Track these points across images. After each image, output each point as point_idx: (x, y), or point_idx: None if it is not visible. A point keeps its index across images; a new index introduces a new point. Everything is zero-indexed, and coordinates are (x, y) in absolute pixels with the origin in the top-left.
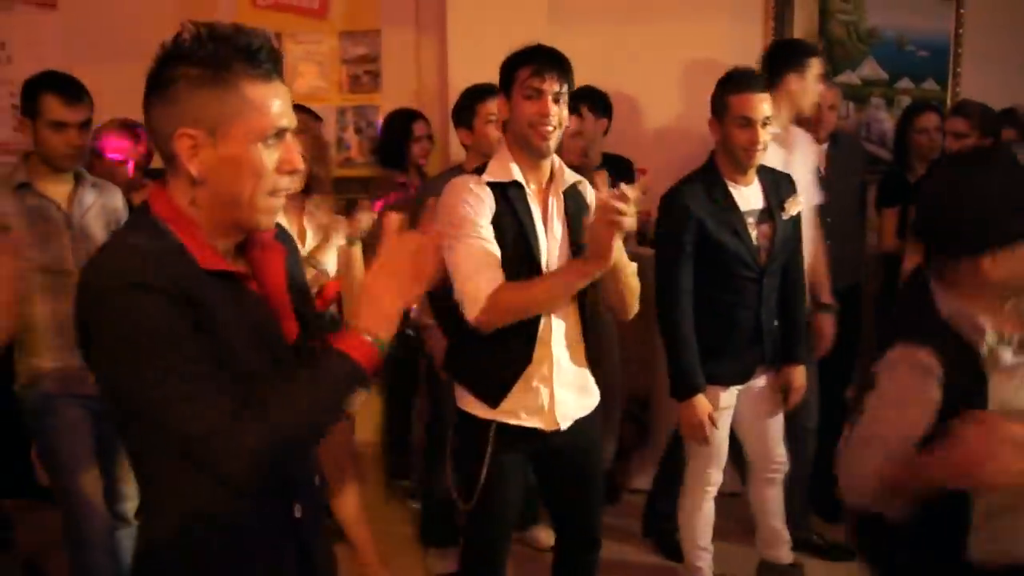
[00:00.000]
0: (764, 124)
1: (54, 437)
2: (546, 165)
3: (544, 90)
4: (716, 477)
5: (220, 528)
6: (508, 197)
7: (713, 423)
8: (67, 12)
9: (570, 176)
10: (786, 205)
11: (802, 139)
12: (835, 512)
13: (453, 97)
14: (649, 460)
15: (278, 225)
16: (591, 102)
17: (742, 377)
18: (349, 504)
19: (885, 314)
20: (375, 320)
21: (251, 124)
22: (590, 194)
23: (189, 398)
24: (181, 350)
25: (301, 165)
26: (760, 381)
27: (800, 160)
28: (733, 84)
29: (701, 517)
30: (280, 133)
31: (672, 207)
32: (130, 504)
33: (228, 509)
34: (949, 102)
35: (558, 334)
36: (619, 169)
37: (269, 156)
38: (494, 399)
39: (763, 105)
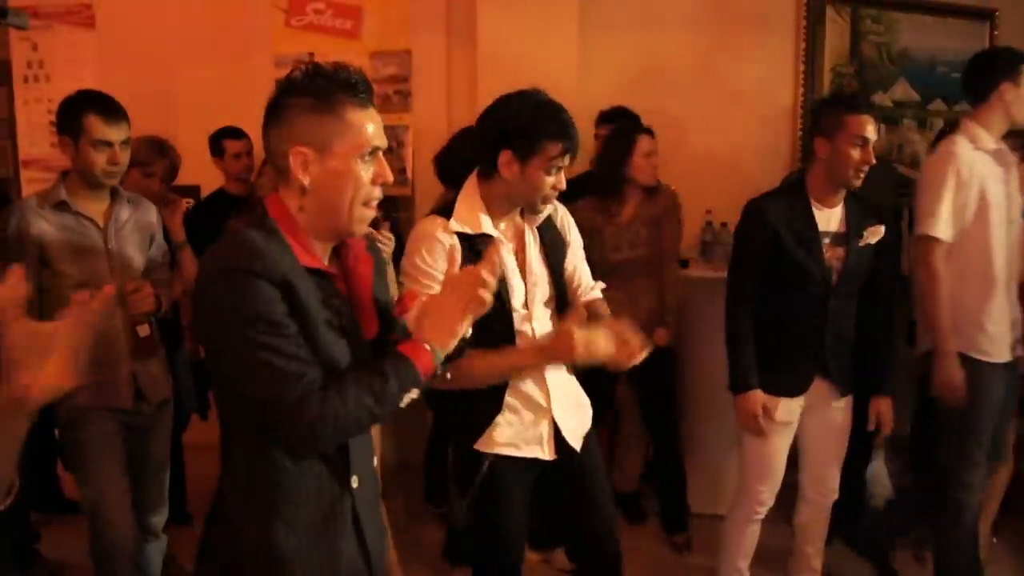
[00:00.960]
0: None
1: (84, 450)
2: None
3: (563, 167)
4: (768, 497)
5: (285, 491)
6: (476, 248)
7: (770, 414)
8: (104, 32)
9: (547, 212)
10: (865, 233)
11: (1011, 155)
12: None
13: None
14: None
15: (369, 238)
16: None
17: (794, 390)
18: None
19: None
20: (437, 333)
21: (351, 143)
22: (560, 216)
23: (271, 367)
24: (273, 329)
25: (391, 178)
26: (835, 404)
27: (1014, 177)
28: (850, 103)
29: (746, 536)
30: (374, 151)
31: (752, 214)
32: (159, 518)
33: (294, 476)
34: None
35: (552, 367)
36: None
37: (365, 170)
38: (474, 435)
39: (875, 127)
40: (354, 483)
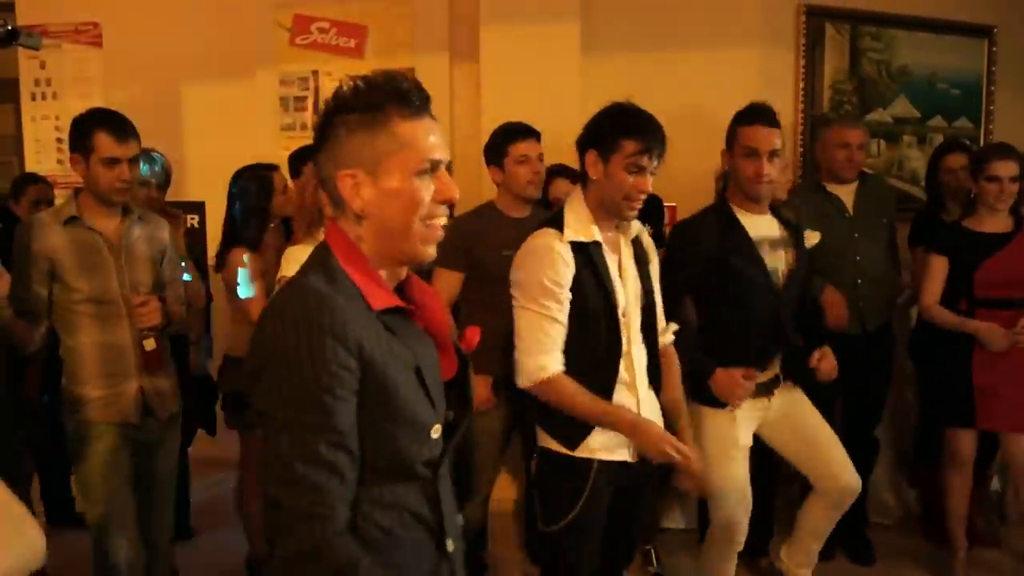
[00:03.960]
0: (771, 157)
1: (91, 465)
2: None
3: (646, 167)
4: (745, 523)
5: (377, 556)
6: (588, 254)
7: (752, 376)
8: (111, 50)
9: (635, 227)
10: (804, 236)
11: None
12: (862, 552)
13: (487, 130)
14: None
15: None
16: None
17: (759, 392)
18: None
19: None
20: None
21: (405, 159)
22: (647, 239)
23: (302, 440)
24: (328, 398)
25: (455, 194)
26: (793, 411)
27: None
28: (744, 116)
29: (728, 567)
30: (434, 165)
31: (682, 234)
32: (164, 535)
33: (387, 548)
34: (982, 140)
35: (640, 373)
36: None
37: (425, 187)
38: (574, 441)
39: (772, 138)
40: (449, 547)
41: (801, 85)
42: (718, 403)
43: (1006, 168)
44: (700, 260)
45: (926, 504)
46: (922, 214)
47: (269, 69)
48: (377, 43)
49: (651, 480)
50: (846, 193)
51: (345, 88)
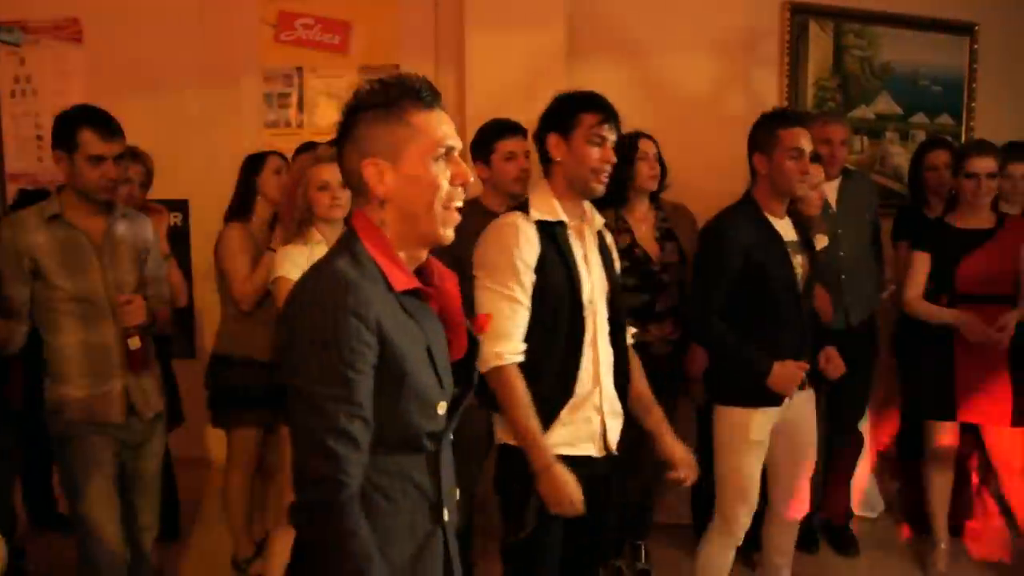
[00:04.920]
0: (811, 158)
1: (75, 465)
2: (584, 205)
3: (608, 138)
4: (746, 519)
5: (381, 532)
6: (554, 236)
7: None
8: (92, 46)
9: (598, 219)
10: (815, 239)
11: None
12: (847, 545)
13: (471, 132)
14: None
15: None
16: None
17: (776, 398)
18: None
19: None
20: None
21: (421, 145)
22: (609, 238)
23: (323, 412)
24: (349, 374)
25: (470, 178)
26: (800, 418)
27: None
28: (783, 118)
29: (725, 560)
30: (449, 151)
31: (717, 234)
32: (149, 535)
33: (389, 515)
34: (964, 136)
35: (606, 366)
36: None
37: (441, 171)
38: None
39: (810, 139)
40: (445, 516)
41: (785, 82)
42: (743, 402)
43: (984, 164)
44: (738, 256)
45: (909, 497)
46: (905, 210)
47: (253, 65)
48: (361, 40)
49: (620, 474)
50: (829, 189)
51: (362, 89)
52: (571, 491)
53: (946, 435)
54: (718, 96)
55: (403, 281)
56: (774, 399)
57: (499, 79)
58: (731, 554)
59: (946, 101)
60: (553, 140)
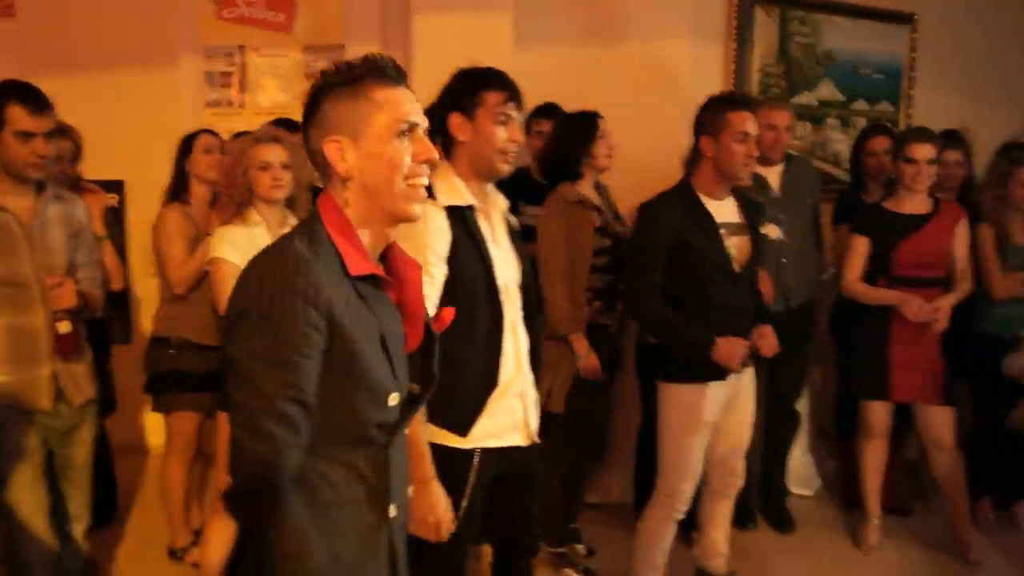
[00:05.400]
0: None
1: (0, 453)
2: (486, 187)
3: (515, 117)
4: (689, 495)
5: (324, 524)
6: (464, 220)
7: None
8: (25, 22)
9: (501, 201)
10: (764, 227)
11: None
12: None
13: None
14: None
15: None
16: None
17: (721, 372)
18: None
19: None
20: None
21: (385, 121)
22: (513, 220)
23: (263, 392)
24: (293, 356)
25: (434, 155)
26: (741, 396)
27: None
28: (731, 102)
29: (666, 535)
30: (411, 127)
31: (648, 216)
32: (80, 524)
33: (334, 508)
34: (902, 123)
35: (524, 352)
36: None
37: (404, 148)
38: (465, 427)
39: (756, 123)
40: (391, 512)
41: (732, 67)
42: (689, 378)
43: (923, 151)
44: (668, 236)
45: (844, 474)
46: (845, 195)
47: (193, 43)
48: (306, 19)
49: (542, 461)
50: (772, 174)
51: (326, 70)
52: (441, 513)
53: (880, 414)
54: (665, 80)
55: (360, 266)
56: (719, 373)
57: (446, 61)
58: (672, 529)
59: (885, 89)
60: (456, 120)
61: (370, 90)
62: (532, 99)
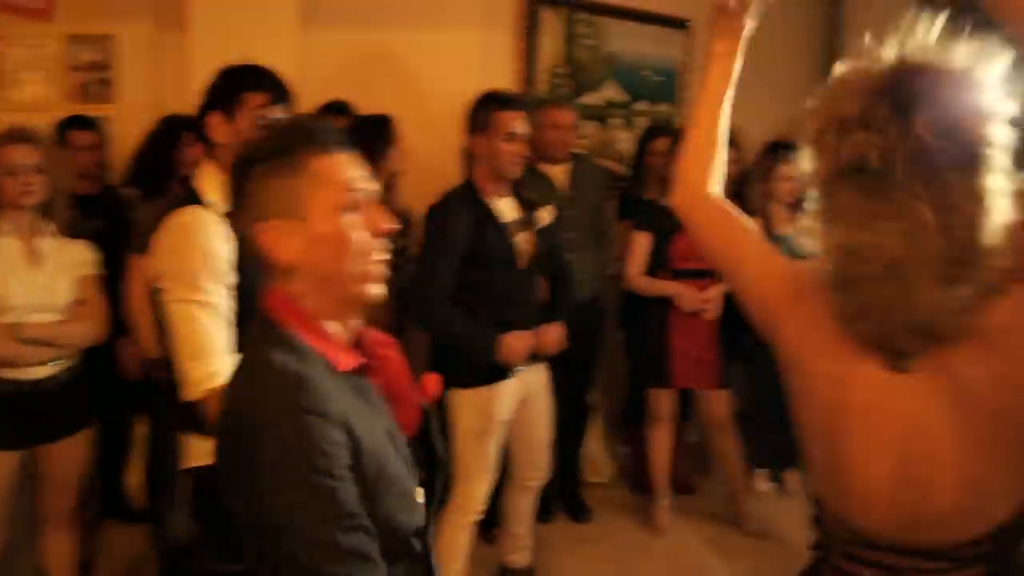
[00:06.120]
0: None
1: None
2: None
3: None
4: (488, 495)
5: None
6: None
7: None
8: None
9: None
10: (538, 216)
11: None
12: (580, 511)
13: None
14: None
15: None
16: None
17: (507, 370)
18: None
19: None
20: None
21: (327, 196)
22: None
23: (317, 543)
24: (331, 483)
25: (386, 225)
26: (536, 390)
27: None
28: (500, 101)
29: (467, 536)
30: (359, 198)
31: (437, 217)
32: None
33: None
34: (680, 123)
35: None
36: None
37: (353, 224)
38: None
39: (527, 122)
40: None
41: (520, 67)
42: (477, 382)
43: None
44: (459, 236)
45: (636, 460)
46: (627, 192)
47: None
48: (69, 5)
49: None
50: (559, 172)
51: (254, 140)
52: None
53: (664, 401)
54: (455, 78)
55: (347, 360)
56: (506, 371)
57: (226, 45)
58: (471, 532)
59: (665, 90)
60: (215, 120)
61: (308, 162)
62: (319, 83)
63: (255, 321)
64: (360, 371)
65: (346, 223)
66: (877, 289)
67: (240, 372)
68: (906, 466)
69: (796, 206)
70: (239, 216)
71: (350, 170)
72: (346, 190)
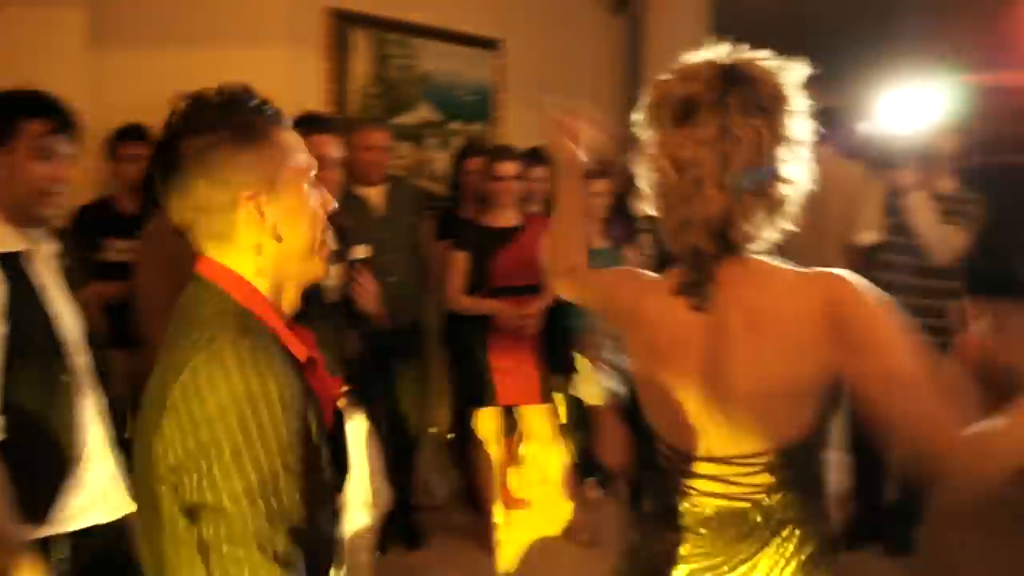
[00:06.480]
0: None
1: None
2: (37, 231)
3: (61, 151)
4: None
5: None
6: (15, 269)
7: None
8: None
9: (53, 244)
10: (351, 252)
11: None
12: (414, 537)
13: None
14: None
15: None
16: None
17: None
18: None
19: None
20: None
21: (296, 168)
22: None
23: (260, 534)
24: (284, 478)
25: (332, 204)
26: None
27: None
28: (309, 124)
29: None
30: (314, 175)
31: None
32: None
33: None
34: (495, 142)
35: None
36: None
37: (314, 198)
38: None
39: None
40: None
41: (331, 88)
42: None
43: (507, 168)
44: None
45: (467, 481)
46: (444, 212)
47: None
48: None
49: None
50: (375, 194)
51: (192, 109)
52: None
53: (489, 419)
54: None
55: (301, 350)
56: None
57: (9, 67)
58: None
59: (479, 109)
60: None
61: (270, 132)
62: (114, 107)
63: (204, 303)
64: (307, 365)
65: (309, 195)
66: (682, 191)
67: (203, 359)
68: (708, 389)
69: (609, 221)
70: (189, 185)
71: (302, 143)
72: (309, 162)
